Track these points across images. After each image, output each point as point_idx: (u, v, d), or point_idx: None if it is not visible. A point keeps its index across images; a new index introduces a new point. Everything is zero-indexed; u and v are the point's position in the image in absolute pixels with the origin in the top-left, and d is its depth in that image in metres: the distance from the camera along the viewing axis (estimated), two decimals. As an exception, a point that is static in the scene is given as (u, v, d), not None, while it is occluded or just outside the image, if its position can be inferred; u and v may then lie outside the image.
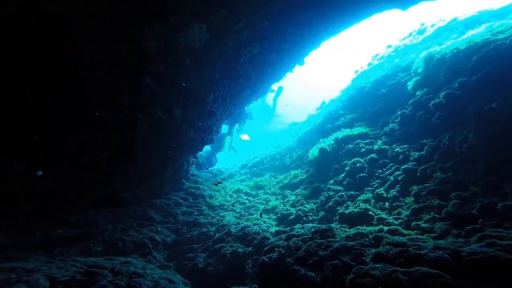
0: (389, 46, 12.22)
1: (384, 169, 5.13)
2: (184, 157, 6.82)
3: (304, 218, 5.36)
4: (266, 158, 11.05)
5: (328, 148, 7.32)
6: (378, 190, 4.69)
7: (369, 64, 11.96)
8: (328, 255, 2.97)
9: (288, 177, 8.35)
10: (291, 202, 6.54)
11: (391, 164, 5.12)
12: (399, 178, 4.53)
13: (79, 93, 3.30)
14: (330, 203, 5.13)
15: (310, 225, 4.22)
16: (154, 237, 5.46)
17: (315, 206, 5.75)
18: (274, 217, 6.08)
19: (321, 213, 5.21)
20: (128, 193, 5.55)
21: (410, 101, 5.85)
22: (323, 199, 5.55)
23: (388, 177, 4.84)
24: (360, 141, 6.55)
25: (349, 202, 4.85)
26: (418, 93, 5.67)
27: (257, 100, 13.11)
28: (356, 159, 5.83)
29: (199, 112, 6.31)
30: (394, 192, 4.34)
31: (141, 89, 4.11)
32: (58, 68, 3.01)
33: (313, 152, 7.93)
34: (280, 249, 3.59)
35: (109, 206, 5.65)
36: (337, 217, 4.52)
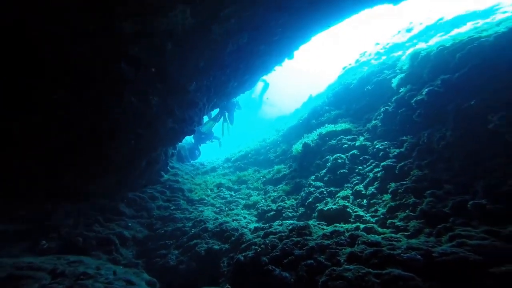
0: (377, 44, 12.27)
1: (365, 166, 5.10)
2: (162, 148, 6.37)
3: (284, 215, 5.24)
4: (250, 152, 10.81)
5: (311, 143, 7.22)
6: (358, 186, 4.64)
7: (356, 61, 11.94)
8: (303, 255, 2.84)
9: (271, 172, 8.20)
10: (272, 197, 6.40)
11: (371, 160, 5.10)
12: (378, 175, 4.51)
13: (35, 72, 2.79)
14: (310, 199, 5.03)
15: (289, 221, 4.09)
16: (122, 233, 5.09)
17: (295, 202, 5.65)
18: (255, 212, 5.92)
19: (301, 210, 5.11)
20: (95, 186, 5.07)
21: (394, 98, 5.83)
22: (303, 195, 5.45)
23: (368, 173, 4.80)
24: (343, 137, 6.50)
25: (329, 199, 4.77)
26: (401, 90, 5.65)
27: (245, 93, 12.74)
28: (338, 155, 5.77)
29: (179, 101, 5.86)
30: (372, 189, 4.30)
31: (112, 72, 3.64)
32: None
33: (297, 147, 7.81)
34: (256, 247, 3.42)
35: (73, 200, 5.16)
36: (316, 214, 4.43)
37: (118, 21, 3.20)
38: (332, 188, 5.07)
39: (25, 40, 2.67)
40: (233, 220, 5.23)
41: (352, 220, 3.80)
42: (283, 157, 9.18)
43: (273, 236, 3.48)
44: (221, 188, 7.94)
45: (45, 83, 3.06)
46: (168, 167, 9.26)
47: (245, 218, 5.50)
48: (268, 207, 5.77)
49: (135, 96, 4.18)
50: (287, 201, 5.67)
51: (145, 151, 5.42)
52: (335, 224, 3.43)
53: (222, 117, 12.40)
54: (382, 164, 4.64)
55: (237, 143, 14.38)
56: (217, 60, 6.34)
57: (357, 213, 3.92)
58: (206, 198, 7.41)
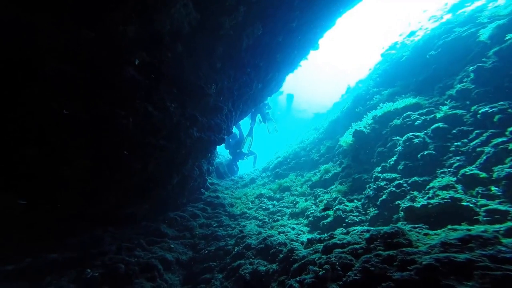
0: (425, 11, 10.31)
1: (465, 140, 3.50)
2: (193, 161, 6.04)
3: (347, 220, 3.96)
4: (289, 157, 9.76)
5: (365, 130, 5.82)
6: (466, 169, 3.09)
7: (394, 45, 10.13)
8: (414, 279, 1.62)
9: (317, 174, 6.95)
10: (325, 201, 5.15)
11: (476, 131, 3.48)
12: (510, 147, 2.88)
13: (41, 89, 2.72)
14: (383, 197, 3.66)
15: (359, 228, 2.89)
16: (164, 256, 4.65)
17: (360, 203, 4.30)
18: (305, 221, 4.77)
19: (372, 211, 3.76)
20: (133, 208, 4.90)
21: (492, 51, 4.19)
22: (370, 193, 4.08)
23: (477, 149, 3.21)
24: (411, 112, 4.96)
25: (415, 192, 3.33)
26: (509, 36, 3.99)
27: (272, 95, 12.12)
28: (411, 134, 4.27)
29: (201, 107, 5.54)
30: (507, 169, 2.68)
31: (121, 81, 3.46)
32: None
33: (346, 139, 6.47)
34: (316, 268, 2.35)
35: (117, 224, 5.08)
36: (402, 214, 3.06)
37: (119, 25, 2.99)
38: (415, 178, 3.59)
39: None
40: (279, 233, 4.22)
41: (481, 218, 2.33)
42: (329, 155, 7.83)
43: (340, 250, 2.36)
44: (262, 199, 7.07)
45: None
46: (208, 184, 9.01)
47: (293, 229, 4.42)
48: (323, 213, 4.55)
49: (150, 104, 3.89)
50: (347, 203, 4.37)
51: (174, 165, 5.08)
52: (448, 227, 2.10)
53: (252, 125, 12.06)
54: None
55: (270, 156, 13.48)
56: (234, 59, 5.91)
57: (489, 207, 2.41)
58: (248, 211, 6.63)
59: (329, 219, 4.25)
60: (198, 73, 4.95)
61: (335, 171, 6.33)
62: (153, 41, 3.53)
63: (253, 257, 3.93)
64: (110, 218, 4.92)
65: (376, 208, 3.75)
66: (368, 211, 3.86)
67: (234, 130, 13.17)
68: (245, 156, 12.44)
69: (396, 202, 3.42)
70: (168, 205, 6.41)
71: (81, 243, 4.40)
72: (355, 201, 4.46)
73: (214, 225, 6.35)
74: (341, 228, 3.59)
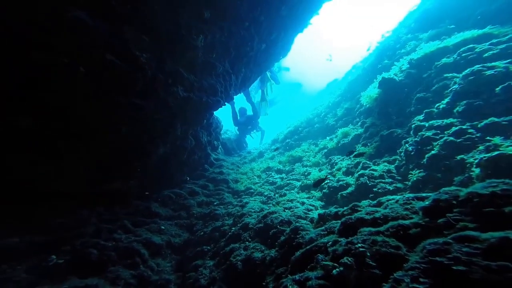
0: None
1: None
2: (181, 126, 5.10)
3: (375, 189, 2.83)
4: (300, 125, 8.51)
5: (396, 77, 4.37)
6: None
7: None
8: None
9: (334, 139, 5.73)
10: (344, 169, 4.01)
11: None
12: None
13: None
14: (434, 151, 2.42)
15: (397, 197, 1.78)
16: (151, 239, 3.99)
17: (393, 166, 3.10)
18: (318, 194, 3.73)
19: (415, 174, 2.55)
20: (113, 183, 4.23)
21: None
22: (410, 149, 2.85)
23: None
24: (475, 45, 3.40)
25: (496, 139, 2.04)
26: None
27: (279, 60, 10.53)
28: (479, 66, 2.81)
29: (187, 62, 4.46)
30: None
31: (66, 23, 2.53)
32: None
33: (369, 93, 5.07)
34: (327, 260, 1.35)
35: (107, 205, 4.51)
36: (476, 171, 1.85)
37: None
38: (493, 119, 2.26)
39: None
40: (285, 210, 3.25)
41: None
42: (347, 117, 6.47)
43: (372, 229, 1.29)
44: (270, 172, 6.12)
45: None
46: (212, 160, 8.22)
47: (303, 204, 3.42)
48: (341, 182, 3.44)
49: (111, 52, 2.92)
50: (375, 167, 3.19)
51: (156, 130, 4.21)
52: None
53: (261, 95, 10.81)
54: None
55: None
56: (227, 9, 4.59)
57: None
58: (253, 186, 5.77)
59: (349, 189, 3.14)
60: (181, 21, 3.79)
61: (356, 132, 5.05)
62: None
63: (250, 239, 3.06)
64: (96, 197, 4.33)
65: (421, 170, 2.54)
66: (408, 176, 2.67)
67: (246, 105, 12.05)
68: (253, 131, 11.43)
69: (458, 157, 2.18)
70: (163, 182, 5.77)
71: (60, 225, 3.86)
72: (385, 164, 3.26)
73: (215, 203, 5.62)
74: (367, 200, 2.49)
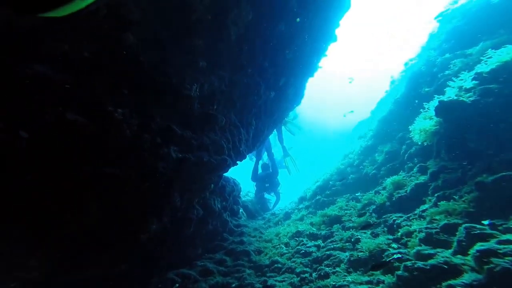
0: None
1: None
2: (182, 195, 3.90)
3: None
4: (331, 178, 7.20)
5: (465, 99, 3.46)
6: None
7: None
8: None
9: (382, 192, 4.37)
10: (422, 234, 2.55)
11: None
12: None
13: None
14: None
15: None
16: None
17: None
18: (389, 279, 2.20)
19: None
20: (85, 272, 2.97)
21: None
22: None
23: None
24: None
25: None
26: None
27: (294, 109, 10.18)
28: None
29: (182, 116, 3.61)
30: None
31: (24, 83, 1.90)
32: None
33: (422, 127, 4.09)
34: None
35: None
36: None
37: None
38: None
39: None
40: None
41: None
42: (393, 163, 5.21)
43: None
44: (301, 239, 4.61)
45: None
46: (232, 227, 6.82)
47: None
48: (432, 261, 1.99)
49: (70, 111, 2.17)
50: (498, 234, 1.80)
51: (143, 203, 3.11)
52: None
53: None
54: None
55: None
56: (223, 55, 4.12)
57: None
58: (280, 259, 4.24)
59: (468, 278, 1.69)
60: (167, 70, 3.25)
61: (416, 182, 3.72)
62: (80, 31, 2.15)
63: None
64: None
65: None
66: None
67: (266, 160, 11.43)
68: (271, 193, 10.38)
69: None
70: (170, 259, 4.35)
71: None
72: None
73: (233, 285, 4.03)
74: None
